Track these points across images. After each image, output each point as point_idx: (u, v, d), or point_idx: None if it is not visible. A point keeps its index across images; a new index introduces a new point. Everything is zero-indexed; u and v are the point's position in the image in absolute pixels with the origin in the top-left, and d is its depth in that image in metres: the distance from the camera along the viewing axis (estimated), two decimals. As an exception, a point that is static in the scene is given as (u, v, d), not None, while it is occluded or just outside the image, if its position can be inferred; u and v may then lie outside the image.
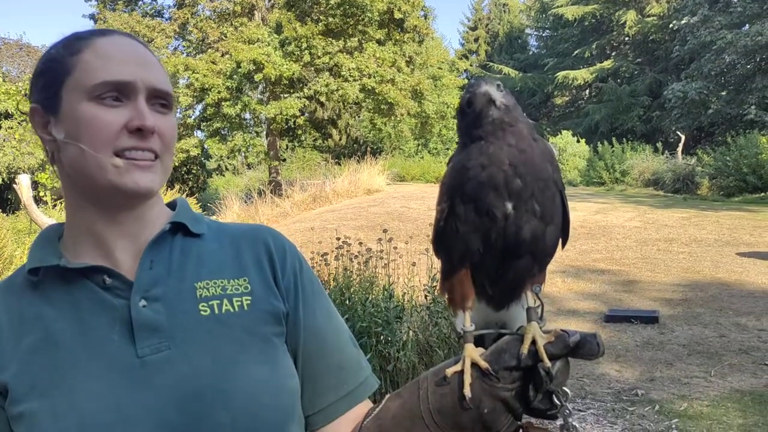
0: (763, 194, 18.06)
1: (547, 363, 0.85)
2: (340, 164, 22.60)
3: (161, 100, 0.97)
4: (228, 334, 0.95)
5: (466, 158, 0.91)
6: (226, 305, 0.98)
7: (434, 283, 4.71)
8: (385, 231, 5.31)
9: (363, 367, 1.11)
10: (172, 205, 1.09)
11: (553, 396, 0.87)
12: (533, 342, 0.87)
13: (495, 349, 0.90)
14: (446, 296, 0.99)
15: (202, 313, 0.96)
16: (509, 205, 0.88)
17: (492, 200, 0.88)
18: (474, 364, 0.90)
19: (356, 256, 4.99)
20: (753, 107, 22.71)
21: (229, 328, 0.96)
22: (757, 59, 23.76)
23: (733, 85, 25.02)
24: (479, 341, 0.97)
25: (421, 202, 15.65)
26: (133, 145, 0.92)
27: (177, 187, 18.69)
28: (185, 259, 1.01)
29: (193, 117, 23.21)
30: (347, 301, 4.51)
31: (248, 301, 0.99)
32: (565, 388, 0.87)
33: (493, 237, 0.90)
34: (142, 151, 0.93)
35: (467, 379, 0.89)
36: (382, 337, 4.39)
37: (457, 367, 0.91)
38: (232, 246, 1.06)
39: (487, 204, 0.89)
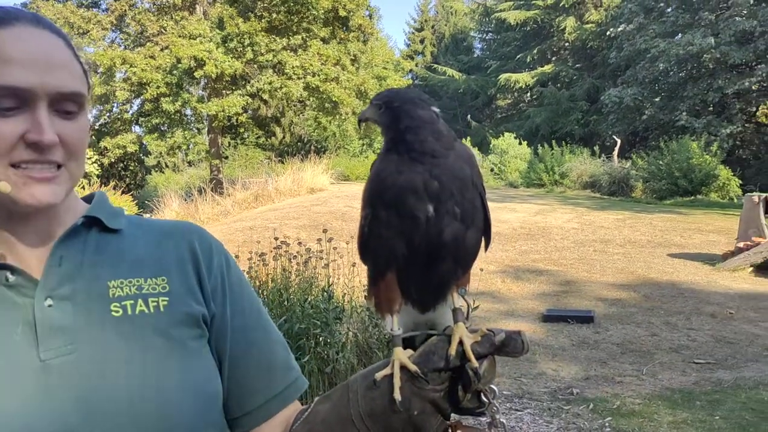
0: (693, 197, 18.80)
1: (475, 363, 0.87)
2: (283, 162, 22.36)
3: (69, 102, 0.88)
4: (140, 336, 0.91)
5: (384, 164, 0.94)
6: (140, 306, 0.93)
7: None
8: (325, 231, 5.25)
9: (292, 367, 1.09)
10: (89, 199, 1.02)
11: (481, 394, 0.89)
12: (460, 342, 0.89)
13: (423, 351, 0.91)
14: (373, 301, 1.00)
15: (113, 313, 0.91)
16: (430, 207, 0.90)
17: (413, 203, 0.90)
18: (403, 367, 0.90)
19: (295, 257, 4.92)
20: (684, 114, 23.60)
21: (141, 329, 0.91)
22: (689, 67, 24.72)
23: (666, 92, 25.97)
24: (409, 342, 0.99)
25: (364, 201, 15.61)
26: (30, 158, 0.85)
27: (112, 183, 18.05)
28: (99, 256, 0.95)
29: (130, 112, 22.54)
30: (285, 302, 4.44)
31: (165, 302, 0.95)
32: (492, 386, 0.89)
33: (416, 240, 0.91)
34: (40, 164, 0.86)
35: (397, 382, 0.89)
36: (321, 339, 4.33)
37: (387, 371, 0.92)
38: (152, 243, 1.01)
39: (409, 207, 0.90)
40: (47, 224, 0.92)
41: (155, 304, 0.94)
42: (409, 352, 0.93)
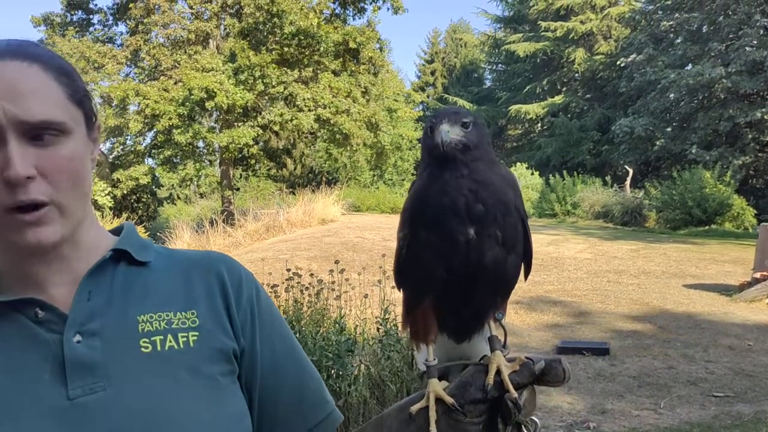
0: (707, 227, 18.62)
1: (514, 393, 0.83)
2: (294, 194, 22.41)
3: (45, 130, 0.82)
4: (170, 373, 0.88)
5: (427, 183, 0.89)
6: (170, 341, 0.90)
7: (386, 315, 4.63)
8: (336, 262, 5.22)
9: (327, 401, 1.05)
10: (118, 231, 1.00)
11: (522, 427, 0.85)
12: (498, 372, 0.85)
13: (460, 383, 0.88)
14: (409, 330, 0.96)
15: (143, 350, 0.88)
16: (471, 230, 0.86)
17: (454, 225, 0.86)
18: (439, 400, 0.87)
19: (307, 288, 4.89)
20: (694, 146, 23.47)
21: (171, 366, 0.88)
22: (700, 97, 24.70)
23: (677, 122, 25.92)
24: (443, 375, 0.94)
25: (375, 232, 15.60)
26: (15, 203, 0.80)
27: (125, 215, 18.17)
28: (128, 289, 0.93)
29: (143, 144, 22.76)
30: (297, 334, 4.39)
31: (195, 337, 0.92)
32: (533, 418, 0.86)
33: (456, 264, 0.87)
34: (26, 205, 0.81)
35: (432, 415, 0.86)
36: (332, 372, 4.28)
37: (422, 404, 0.88)
38: (182, 275, 0.98)
39: (450, 229, 0.87)
40: (69, 260, 0.91)
41: (185, 339, 0.91)
42: (445, 383, 0.89)
